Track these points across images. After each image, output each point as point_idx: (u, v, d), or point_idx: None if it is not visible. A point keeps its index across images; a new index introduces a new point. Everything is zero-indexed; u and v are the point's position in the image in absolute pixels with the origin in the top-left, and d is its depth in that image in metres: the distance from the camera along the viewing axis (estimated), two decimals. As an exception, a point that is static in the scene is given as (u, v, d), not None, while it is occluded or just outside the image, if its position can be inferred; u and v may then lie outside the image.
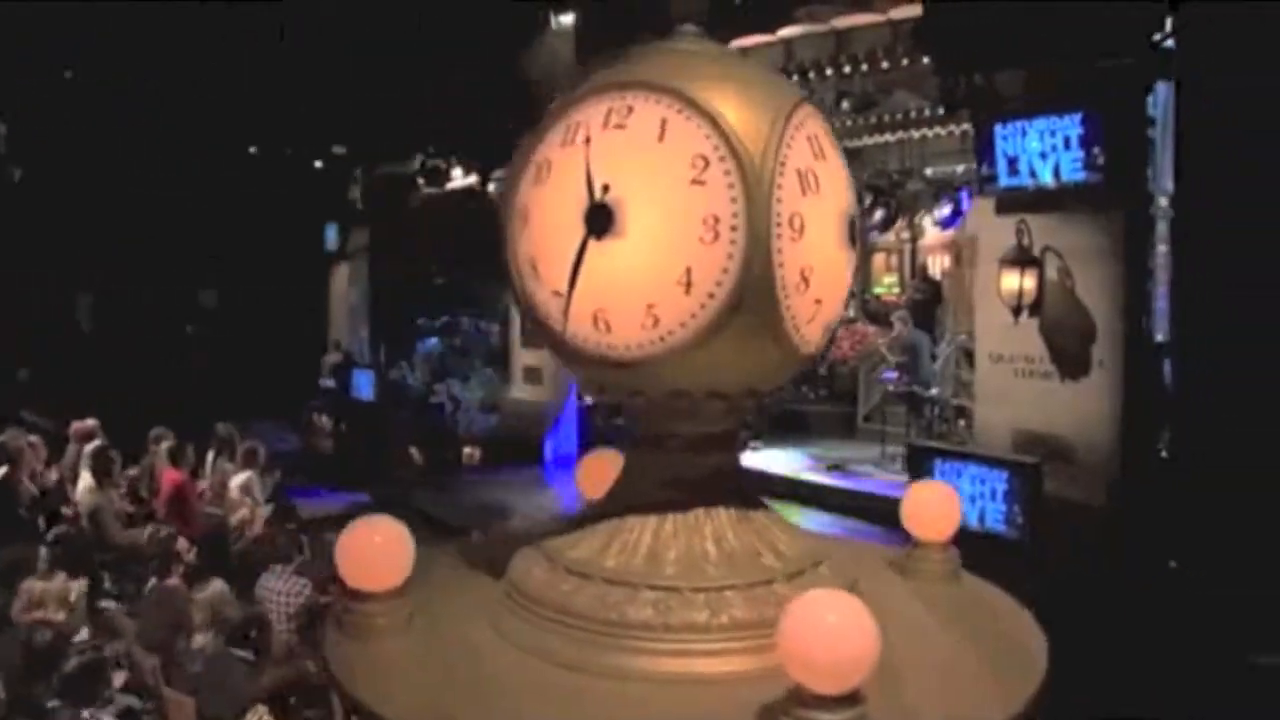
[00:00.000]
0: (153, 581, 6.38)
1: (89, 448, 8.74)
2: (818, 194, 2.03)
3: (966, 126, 9.86)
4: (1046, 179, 7.92)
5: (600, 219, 1.95)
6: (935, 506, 2.62)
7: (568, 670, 2.02)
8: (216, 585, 5.64)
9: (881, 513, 9.33)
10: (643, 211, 1.94)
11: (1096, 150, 7.59)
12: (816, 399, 13.66)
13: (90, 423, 9.38)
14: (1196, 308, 7.83)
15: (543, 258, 2.08)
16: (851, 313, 11.85)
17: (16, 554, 6.39)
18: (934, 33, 8.42)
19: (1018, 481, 7.63)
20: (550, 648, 2.07)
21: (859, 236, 2.19)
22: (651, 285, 1.96)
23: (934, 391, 11.07)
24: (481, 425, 14.61)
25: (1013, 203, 8.29)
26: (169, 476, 8.65)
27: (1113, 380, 7.85)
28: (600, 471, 2.62)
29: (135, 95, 14.44)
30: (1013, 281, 8.11)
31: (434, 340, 17.70)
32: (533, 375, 13.88)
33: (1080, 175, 7.70)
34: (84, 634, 5.84)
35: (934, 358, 11.48)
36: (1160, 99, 7.92)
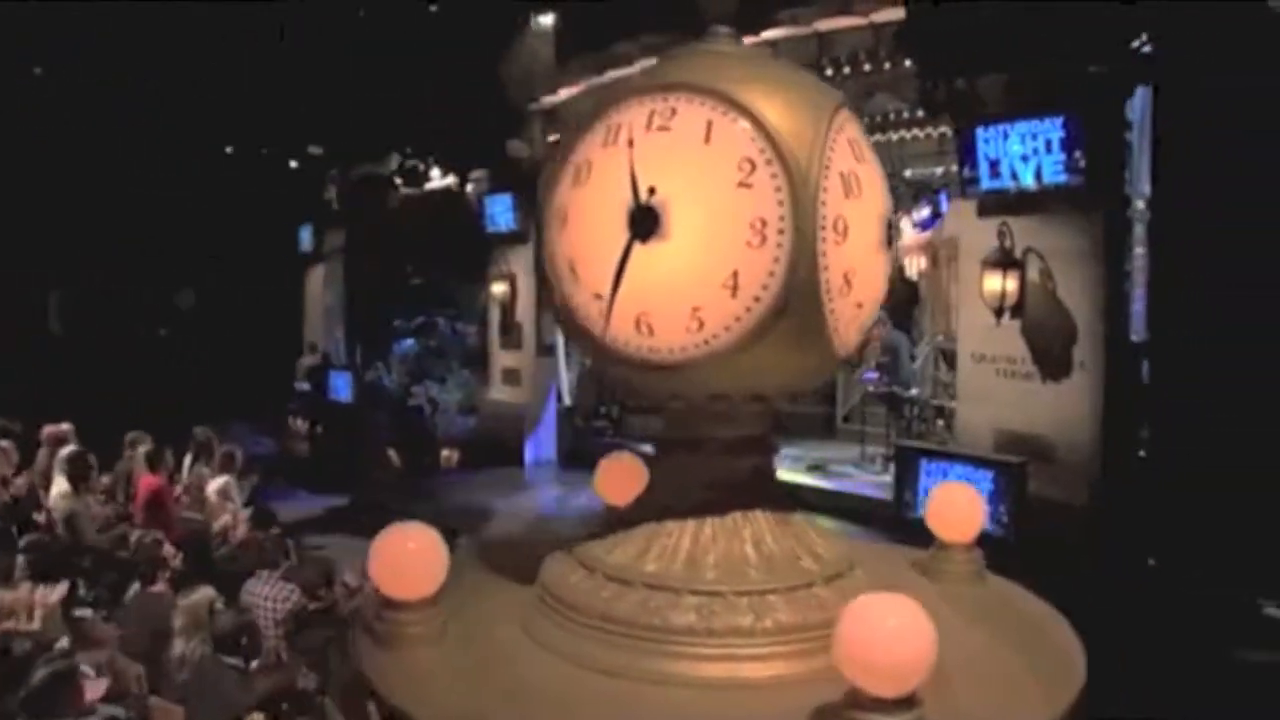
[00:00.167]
0: (135, 588, 6.25)
1: (62, 452, 8.53)
2: (860, 197, 2.04)
3: (945, 129, 9.93)
4: (1028, 181, 7.98)
5: (646, 222, 1.93)
6: (960, 508, 2.64)
7: (608, 676, 2.00)
8: (205, 592, 5.53)
9: (862, 513, 9.40)
10: (689, 214, 1.93)
11: (1078, 153, 7.66)
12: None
13: (63, 426, 9.16)
14: (1173, 309, 7.96)
15: (582, 260, 2.06)
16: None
17: (-8, 562, 6.22)
18: (917, 36, 8.47)
19: (1003, 481, 7.68)
20: (590, 654, 2.05)
21: (895, 239, 2.20)
22: (697, 288, 1.95)
23: (914, 392, 11.13)
24: (460, 427, 14.50)
25: (995, 205, 8.34)
26: (146, 481, 8.47)
27: (1093, 381, 7.93)
28: (620, 476, 2.60)
29: (109, 94, 14.20)
30: (995, 283, 8.17)
31: (410, 341, 17.53)
32: (511, 377, 13.78)
33: (1062, 178, 7.77)
34: (64, 642, 5.70)
35: (913, 358, 11.55)
36: (1138, 103, 8.04)
